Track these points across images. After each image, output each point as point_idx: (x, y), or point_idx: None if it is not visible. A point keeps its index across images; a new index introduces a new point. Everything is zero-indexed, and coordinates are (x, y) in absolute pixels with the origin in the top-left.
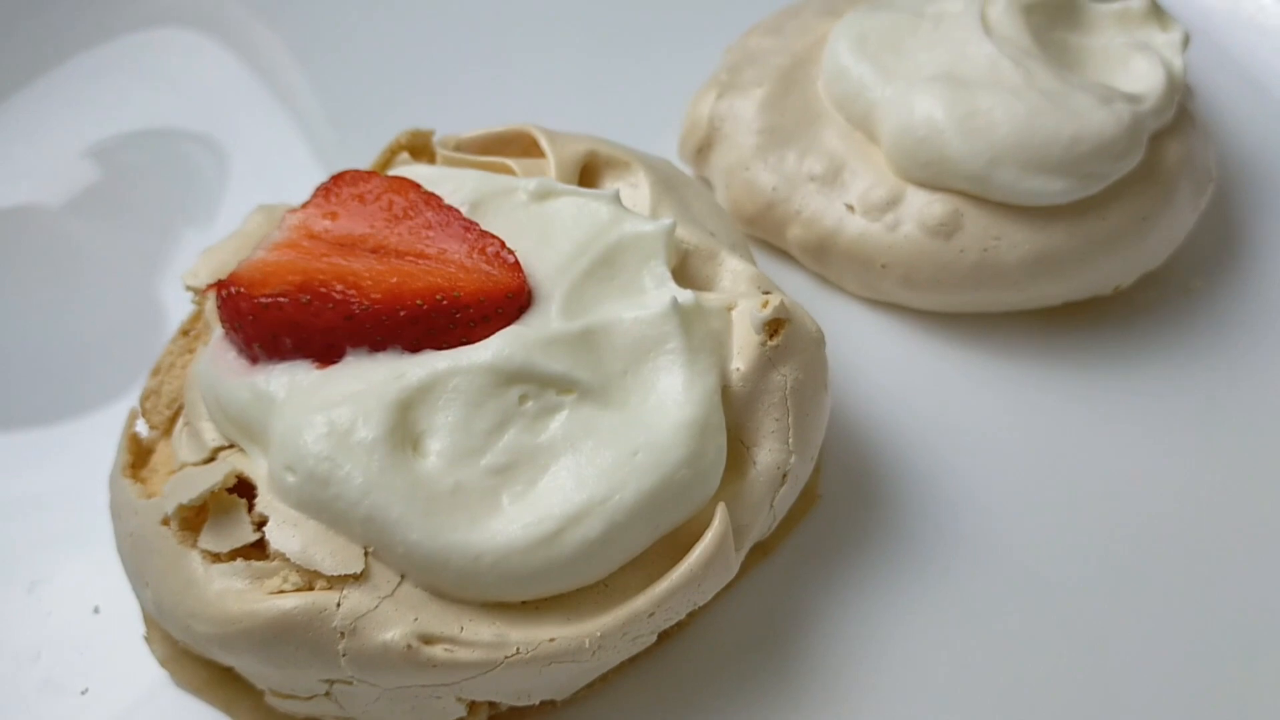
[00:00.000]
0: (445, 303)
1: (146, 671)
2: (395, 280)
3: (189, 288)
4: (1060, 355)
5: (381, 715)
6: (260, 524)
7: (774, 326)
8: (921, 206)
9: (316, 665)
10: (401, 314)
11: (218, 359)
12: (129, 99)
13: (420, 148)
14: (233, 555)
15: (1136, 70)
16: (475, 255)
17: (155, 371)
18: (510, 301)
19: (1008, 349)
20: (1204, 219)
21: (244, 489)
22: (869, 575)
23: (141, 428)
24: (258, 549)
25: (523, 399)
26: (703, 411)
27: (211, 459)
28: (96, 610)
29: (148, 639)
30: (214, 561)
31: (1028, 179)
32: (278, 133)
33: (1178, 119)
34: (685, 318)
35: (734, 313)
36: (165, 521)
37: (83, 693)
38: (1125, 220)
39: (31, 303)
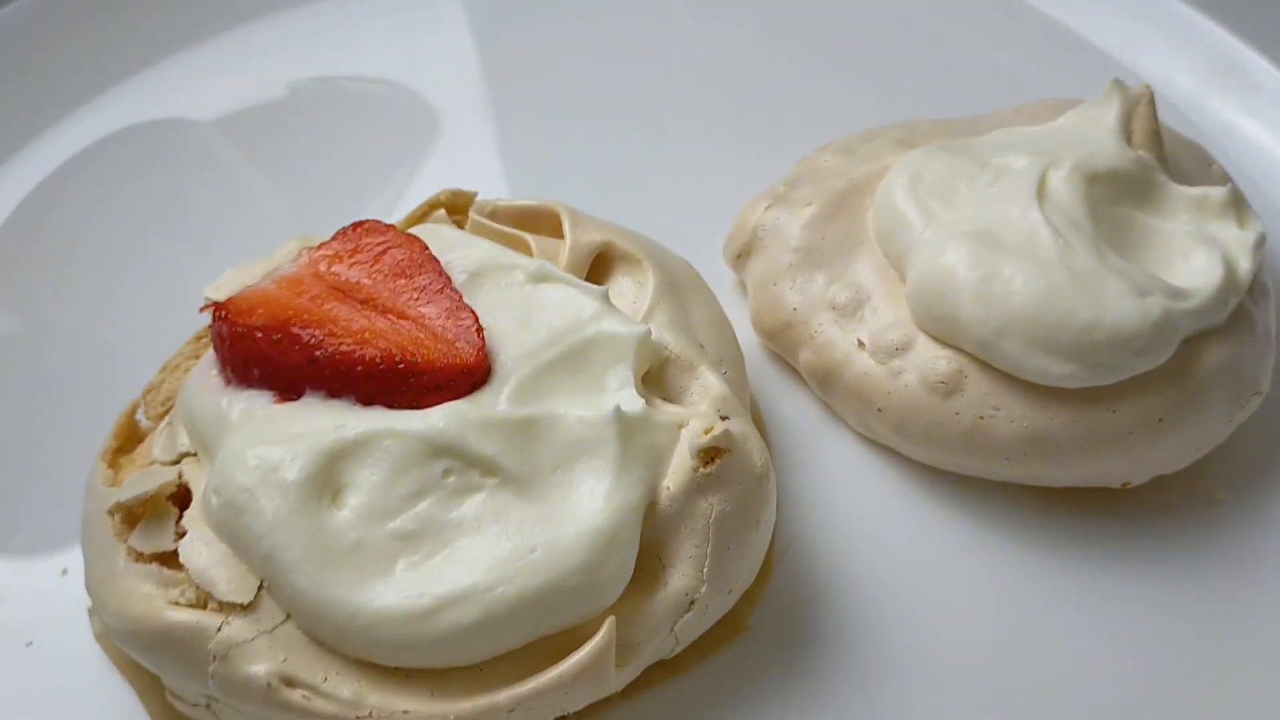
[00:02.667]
0: (402, 366)
1: (88, 640)
2: (364, 335)
3: (207, 298)
4: (1053, 540)
5: None
6: (181, 535)
7: (710, 454)
8: (927, 359)
9: (190, 680)
10: (359, 369)
11: (203, 372)
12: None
13: (459, 208)
14: (152, 558)
15: (1194, 264)
16: (448, 326)
17: (164, 368)
18: (464, 377)
19: (999, 522)
20: (1246, 430)
21: (187, 500)
22: (777, 711)
23: (143, 417)
24: (175, 558)
25: (446, 473)
26: (614, 523)
27: (176, 462)
28: (65, 572)
29: (90, 611)
30: (135, 560)
31: (1033, 356)
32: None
33: (1232, 322)
34: (627, 427)
35: (683, 431)
36: (111, 511)
37: (28, 644)
38: (1136, 419)
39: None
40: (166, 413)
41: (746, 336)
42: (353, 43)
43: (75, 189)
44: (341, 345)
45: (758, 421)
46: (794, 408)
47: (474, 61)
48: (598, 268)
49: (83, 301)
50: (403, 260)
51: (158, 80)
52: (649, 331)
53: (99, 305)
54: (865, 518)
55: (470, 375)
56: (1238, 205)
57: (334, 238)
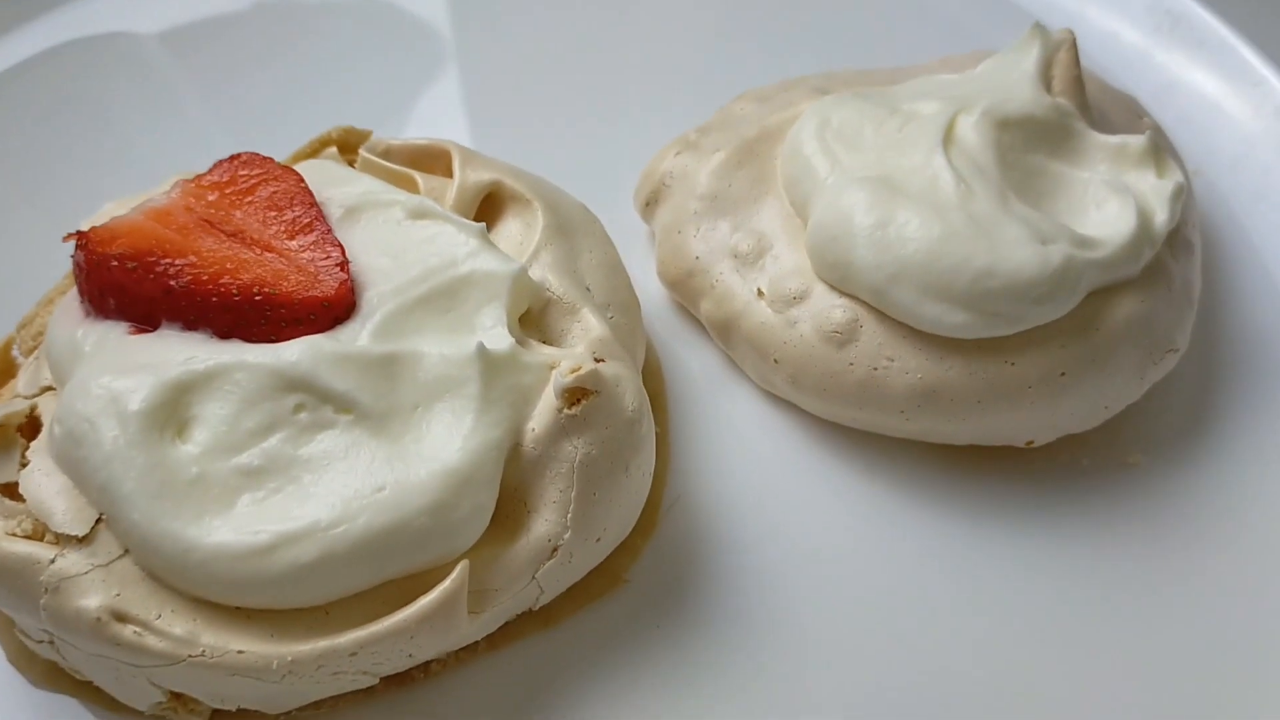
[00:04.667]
0: (259, 298)
1: None
2: (226, 265)
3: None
4: (955, 500)
5: (94, 676)
6: (25, 465)
7: (576, 394)
8: (823, 308)
9: (24, 612)
10: (214, 299)
11: (67, 304)
12: None
13: (351, 146)
14: None
15: (1107, 213)
16: (313, 258)
17: (39, 301)
18: (324, 311)
19: (899, 480)
20: (1164, 391)
21: (37, 431)
22: (651, 670)
23: (18, 352)
24: (17, 489)
25: (298, 408)
26: (469, 463)
27: (38, 395)
28: None
29: None
30: None
31: (926, 304)
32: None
33: (1146, 276)
34: (490, 365)
35: (553, 371)
36: None
37: None
38: (1036, 373)
39: None
40: (37, 347)
41: (654, 288)
42: None
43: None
44: (200, 276)
45: (656, 373)
46: (697, 361)
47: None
48: (489, 209)
49: None
50: (275, 193)
51: None
52: (524, 269)
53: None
54: (759, 474)
55: (331, 310)
56: (1157, 154)
57: (210, 170)
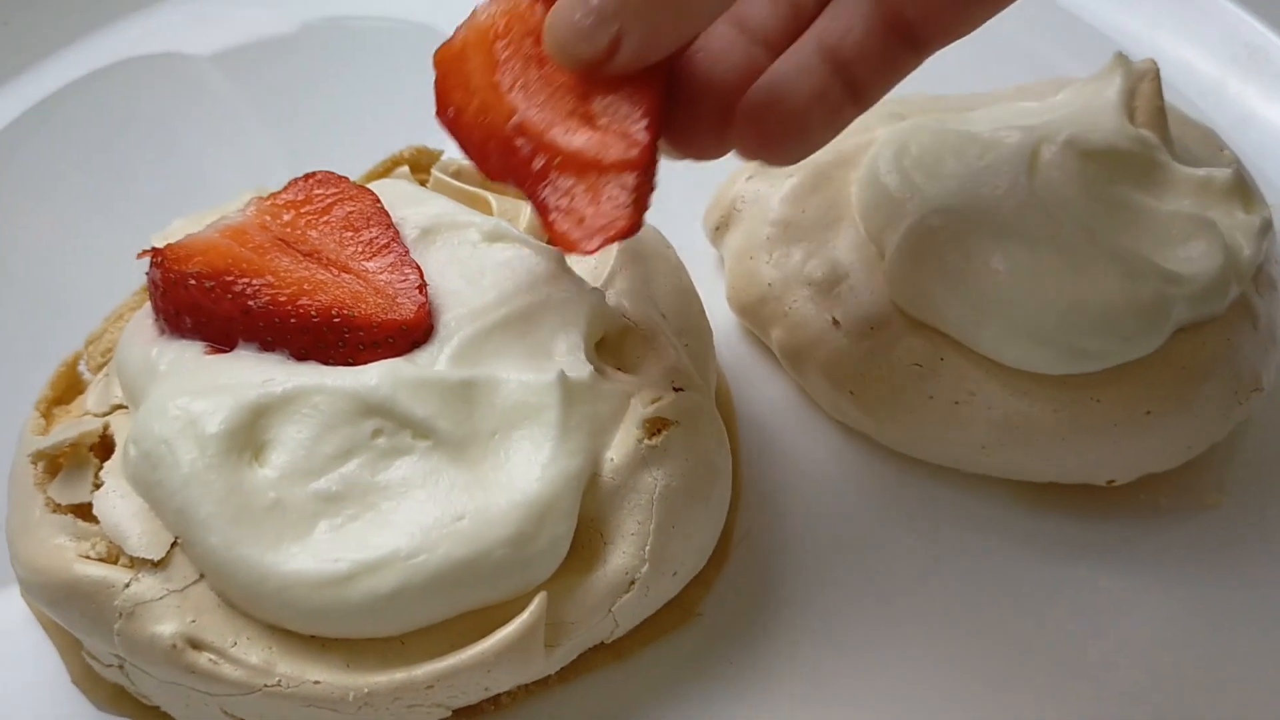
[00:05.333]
0: (338, 320)
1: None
2: (303, 286)
3: (153, 247)
4: (1031, 538)
5: (164, 703)
6: (99, 487)
7: (657, 425)
8: (902, 339)
9: (97, 637)
10: (293, 321)
11: (139, 321)
12: None
13: (422, 166)
14: (68, 509)
15: (1193, 248)
16: (391, 281)
17: (108, 317)
18: (402, 334)
19: (974, 516)
20: (1247, 431)
21: (111, 451)
22: (722, 705)
23: (85, 368)
24: (92, 511)
25: (376, 433)
26: (549, 494)
27: (109, 413)
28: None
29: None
30: (53, 511)
31: (1011, 338)
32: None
33: (1232, 313)
34: (570, 393)
35: (632, 400)
36: (33, 459)
37: None
38: (1122, 410)
39: None
40: (106, 364)
41: (724, 315)
42: None
43: (58, 122)
44: (278, 296)
45: (726, 401)
46: (768, 390)
47: None
48: None
49: (47, 243)
50: (351, 213)
51: (162, 13)
52: (603, 296)
53: (64, 247)
54: (832, 507)
55: (409, 333)
56: (1243, 189)
57: (285, 188)
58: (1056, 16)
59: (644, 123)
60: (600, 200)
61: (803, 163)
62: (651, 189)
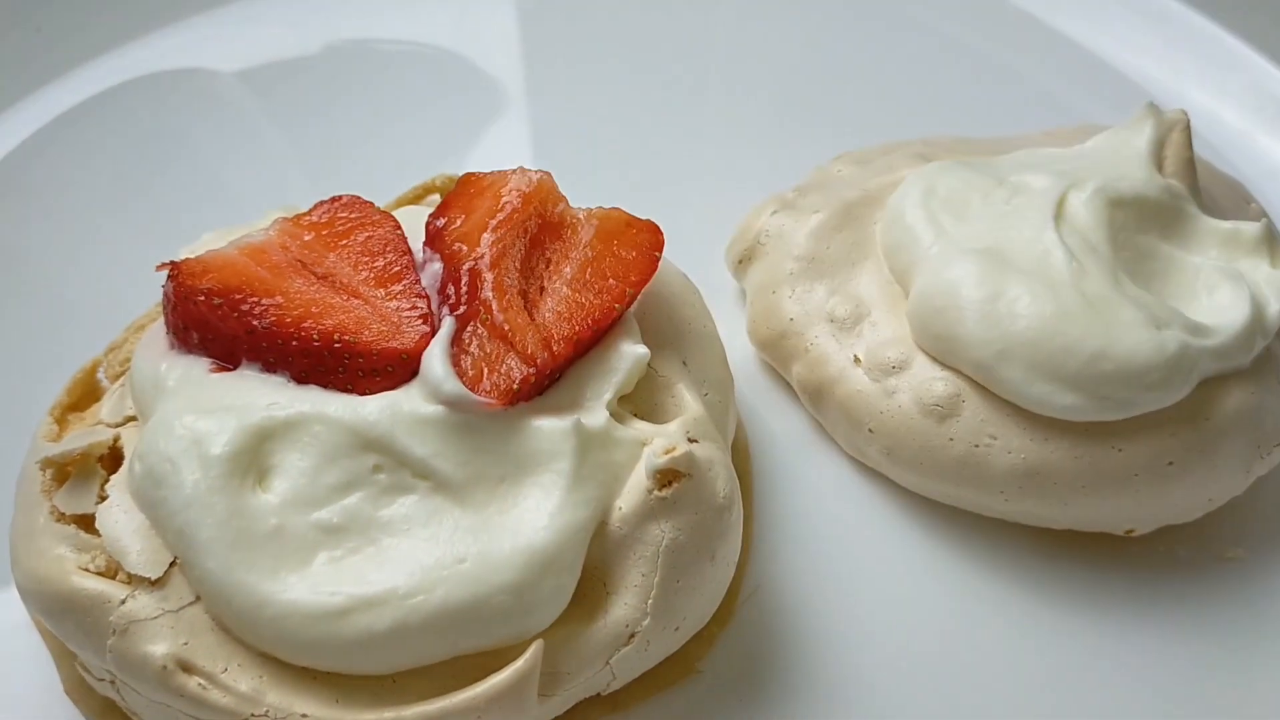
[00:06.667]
0: (338, 345)
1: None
2: (310, 309)
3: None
4: (1048, 587)
5: None
6: (104, 500)
7: (669, 476)
8: (924, 380)
9: (90, 650)
10: (294, 343)
11: (153, 334)
12: None
13: None
14: (72, 520)
15: (1219, 300)
16: (398, 309)
17: (129, 327)
18: (403, 363)
19: (990, 563)
20: (1267, 486)
21: (119, 463)
22: None
23: (103, 376)
24: (94, 522)
25: (376, 468)
26: (555, 544)
27: (121, 424)
28: None
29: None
30: (57, 520)
31: (1035, 383)
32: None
33: (1257, 367)
34: (584, 441)
35: (645, 449)
36: (41, 466)
37: None
38: (1144, 460)
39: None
40: (124, 373)
41: (743, 347)
42: (398, 6)
43: (85, 132)
44: (283, 318)
45: (743, 444)
46: (784, 425)
47: (515, 38)
48: None
49: (67, 250)
50: (370, 239)
51: (190, 28)
52: (647, 355)
53: (84, 255)
54: (844, 553)
55: (409, 363)
56: (1271, 243)
57: (311, 210)
58: (1084, 62)
59: (570, 341)
60: (495, 369)
61: (829, 200)
62: (541, 389)
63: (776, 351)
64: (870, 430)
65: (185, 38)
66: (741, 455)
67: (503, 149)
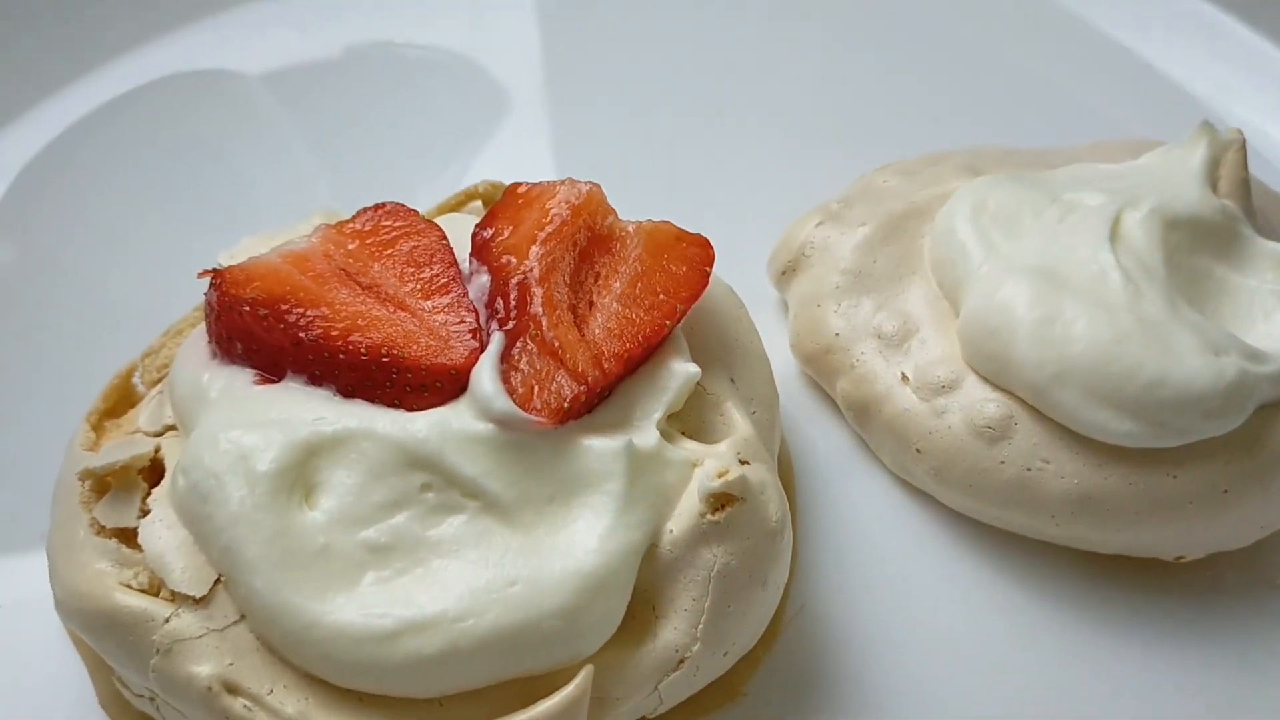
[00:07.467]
0: (386, 360)
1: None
2: (357, 322)
3: (219, 264)
4: (1095, 611)
5: None
6: (146, 514)
7: (722, 500)
8: (975, 401)
9: (131, 669)
10: (342, 357)
11: (194, 342)
12: None
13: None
14: (113, 534)
15: (1276, 326)
16: (446, 322)
17: (166, 332)
18: (452, 379)
19: (1037, 587)
20: None
21: (160, 475)
22: None
23: (139, 381)
24: (137, 537)
25: (425, 487)
26: (606, 568)
27: (160, 434)
28: (44, 536)
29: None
30: (97, 533)
31: (1091, 409)
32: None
33: None
34: (636, 463)
35: (696, 470)
36: (80, 477)
37: None
38: (1199, 488)
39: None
40: (161, 379)
41: (784, 360)
42: (418, 11)
43: (111, 133)
44: (330, 330)
45: (786, 461)
46: (826, 441)
47: (537, 44)
48: None
49: (95, 252)
50: (415, 249)
51: (213, 30)
52: (697, 374)
53: (112, 258)
54: (891, 575)
55: (459, 378)
56: None
57: (354, 217)
58: (1133, 74)
59: (620, 358)
60: (545, 387)
61: (876, 212)
62: (591, 407)
63: (821, 366)
64: (918, 450)
65: (209, 38)
66: (785, 472)
67: (529, 155)
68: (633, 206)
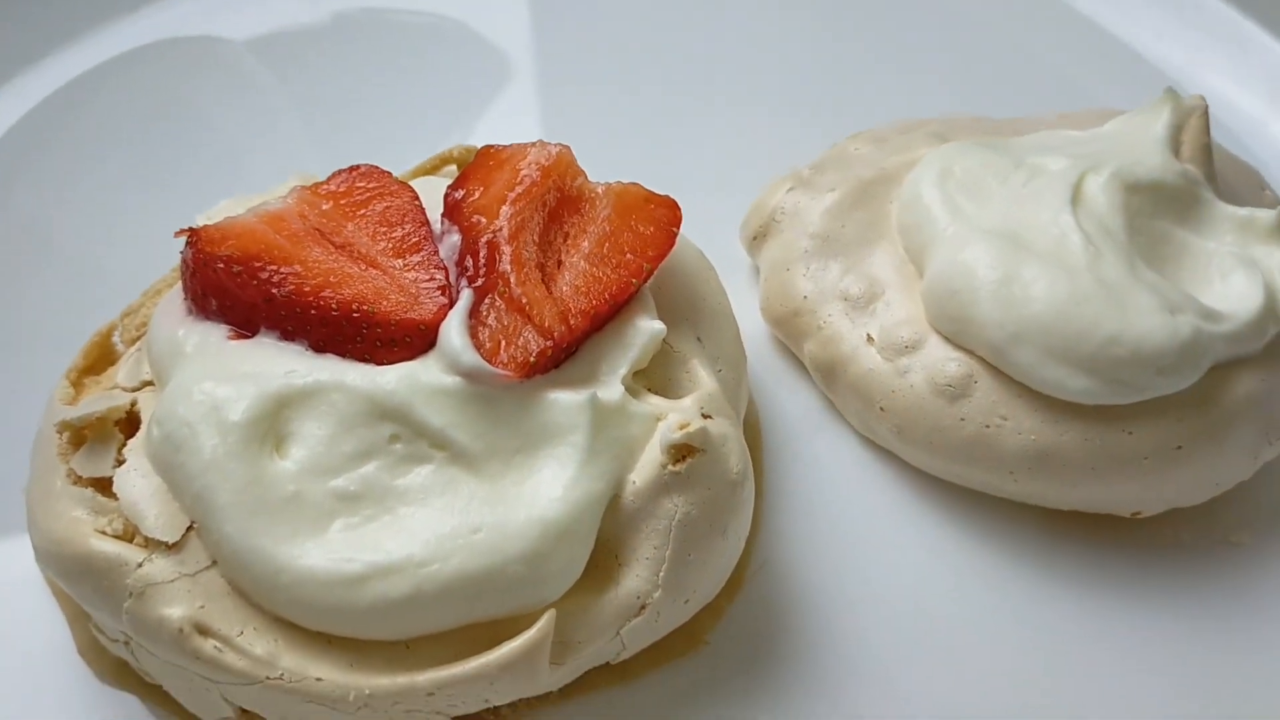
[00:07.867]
0: (357, 315)
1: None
2: (329, 278)
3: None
4: (1054, 566)
5: (165, 682)
6: (121, 464)
7: (682, 451)
8: (937, 360)
9: (106, 613)
10: (313, 312)
11: (171, 300)
12: None
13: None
14: (89, 483)
15: (1233, 286)
16: (416, 279)
17: (145, 292)
18: (421, 334)
19: (997, 542)
20: (1273, 470)
21: (136, 428)
22: None
23: (119, 340)
24: (113, 486)
25: (393, 438)
26: (569, 516)
27: (138, 389)
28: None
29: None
30: (74, 483)
31: (1048, 365)
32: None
33: (1268, 353)
34: (600, 415)
35: (660, 424)
36: (58, 429)
37: None
38: (1153, 444)
39: None
40: (140, 338)
41: (755, 324)
42: None
43: (99, 98)
44: (302, 286)
45: (754, 422)
46: (794, 403)
47: (526, 12)
48: None
49: (81, 215)
50: (389, 209)
51: None
52: (663, 329)
53: (98, 221)
54: (854, 531)
55: (427, 333)
56: None
57: (329, 179)
58: (1101, 45)
59: (587, 315)
60: (512, 342)
61: (845, 178)
62: (557, 362)
63: (789, 329)
64: (881, 409)
65: (196, 5)
66: (752, 431)
67: (514, 120)
68: (613, 172)
